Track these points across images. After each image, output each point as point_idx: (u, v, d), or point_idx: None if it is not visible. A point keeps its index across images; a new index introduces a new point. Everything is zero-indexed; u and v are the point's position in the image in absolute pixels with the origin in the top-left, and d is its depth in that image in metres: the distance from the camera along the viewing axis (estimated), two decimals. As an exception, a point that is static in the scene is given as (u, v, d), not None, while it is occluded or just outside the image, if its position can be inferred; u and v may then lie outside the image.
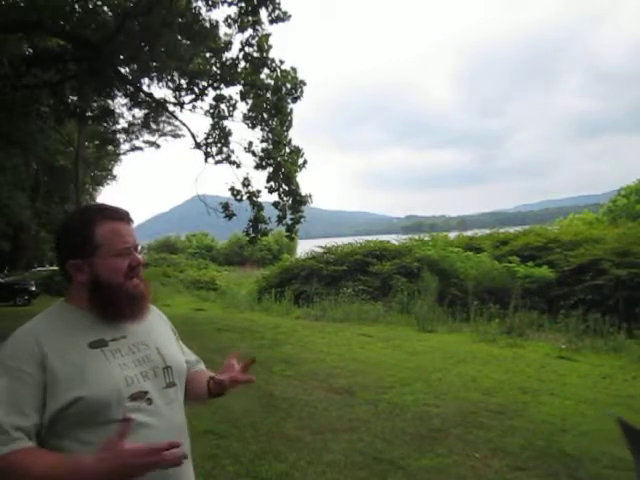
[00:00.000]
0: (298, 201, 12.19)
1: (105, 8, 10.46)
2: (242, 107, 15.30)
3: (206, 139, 12.57)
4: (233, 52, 11.59)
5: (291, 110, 11.93)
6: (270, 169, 12.16)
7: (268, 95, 11.70)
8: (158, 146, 28.61)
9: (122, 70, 11.90)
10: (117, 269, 1.15)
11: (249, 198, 12.45)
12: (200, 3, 10.55)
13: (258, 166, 12.23)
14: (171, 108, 13.33)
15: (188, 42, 10.99)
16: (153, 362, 1.18)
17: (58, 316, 1.15)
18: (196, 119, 62.05)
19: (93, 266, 1.15)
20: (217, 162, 12.57)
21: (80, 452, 1.03)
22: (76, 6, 9.85)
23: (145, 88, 12.81)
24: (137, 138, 27.94)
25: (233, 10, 10.77)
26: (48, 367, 1.04)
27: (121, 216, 1.20)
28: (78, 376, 1.05)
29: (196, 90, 12.14)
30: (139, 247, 1.23)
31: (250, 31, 11.01)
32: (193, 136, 12.76)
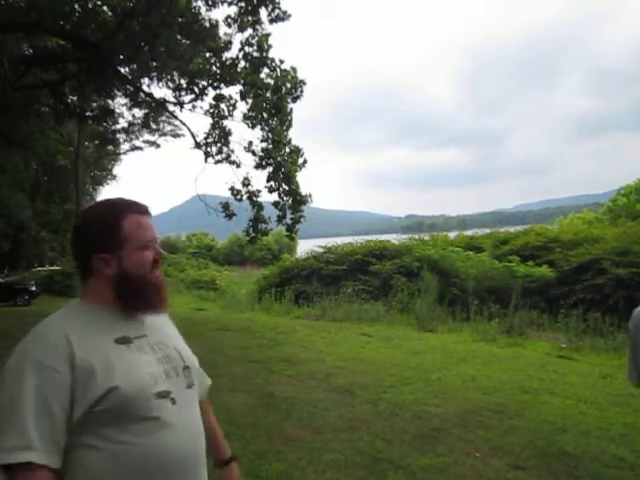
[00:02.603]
0: (298, 201, 12.19)
1: (105, 8, 10.46)
2: (242, 107, 15.31)
3: (206, 139, 12.57)
4: (233, 52, 11.60)
5: (291, 110, 11.93)
6: (270, 169, 12.16)
7: (268, 95, 11.70)
8: (158, 146, 28.67)
9: (122, 70, 11.89)
10: (143, 262, 1.16)
11: (249, 198, 12.45)
12: (200, 3, 10.56)
13: (258, 166, 12.23)
14: (171, 108, 13.34)
15: (188, 42, 10.99)
16: (174, 362, 1.18)
17: (79, 314, 1.13)
18: (196, 119, 62.09)
19: (120, 259, 1.14)
20: (217, 162, 12.57)
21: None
22: (76, 6, 9.86)
23: (145, 88, 12.82)
24: (137, 138, 28.01)
25: (233, 10, 10.78)
26: (78, 363, 1.02)
27: (144, 209, 1.21)
28: (110, 369, 1.04)
29: (196, 90, 12.14)
30: (158, 240, 1.23)
31: (250, 31, 11.02)
32: (193, 136, 12.76)
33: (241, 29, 11.01)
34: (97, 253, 1.13)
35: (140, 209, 1.19)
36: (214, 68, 11.78)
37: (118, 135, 26.67)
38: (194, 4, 10.55)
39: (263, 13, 10.65)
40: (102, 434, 1.02)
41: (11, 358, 1.03)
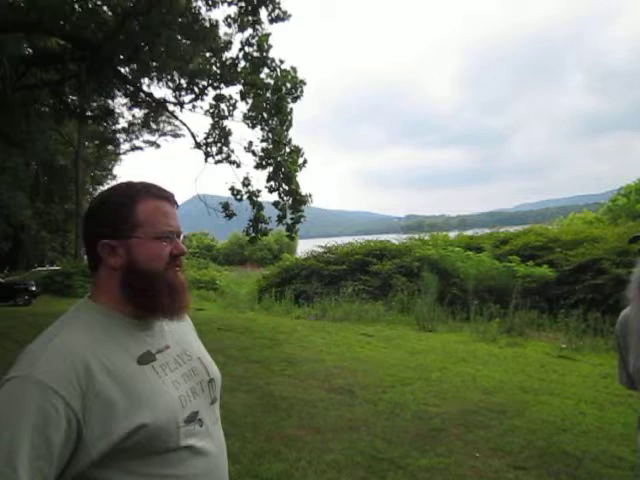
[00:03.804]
0: (298, 201, 12.20)
1: (105, 8, 10.48)
2: (242, 107, 15.34)
3: (206, 139, 12.59)
4: (233, 52, 11.65)
5: (291, 110, 11.95)
6: (270, 169, 12.19)
7: (268, 95, 11.72)
8: (158, 146, 28.69)
9: (122, 70, 11.91)
10: (157, 255, 0.98)
11: (249, 198, 12.47)
12: (200, 3, 10.59)
13: (258, 166, 12.25)
14: (171, 108, 13.38)
15: (188, 42, 11.01)
16: (199, 375, 1.06)
17: (92, 321, 0.96)
18: (196, 119, 62.15)
19: (129, 248, 0.97)
20: (217, 162, 12.59)
21: None
22: (76, 6, 9.87)
23: (145, 88, 12.85)
24: (137, 138, 28.03)
25: (233, 10, 10.81)
26: (97, 393, 0.86)
27: (167, 195, 1.03)
28: (135, 401, 0.89)
29: (196, 90, 12.16)
30: (182, 235, 1.06)
31: (250, 31, 11.04)
32: (193, 136, 12.78)
33: (241, 29, 11.03)
34: (102, 239, 0.97)
35: (162, 194, 1.02)
36: (214, 68, 11.80)
37: (118, 135, 26.72)
38: (194, 4, 10.58)
39: (263, 13, 10.69)
40: (128, 468, 0.90)
41: (10, 378, 0.85)
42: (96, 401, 0.86)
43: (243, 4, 10.54)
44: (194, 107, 12.33)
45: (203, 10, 10.78)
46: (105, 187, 34.55)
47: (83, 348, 0.89)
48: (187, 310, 1.06)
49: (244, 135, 24.18)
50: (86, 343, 0.91)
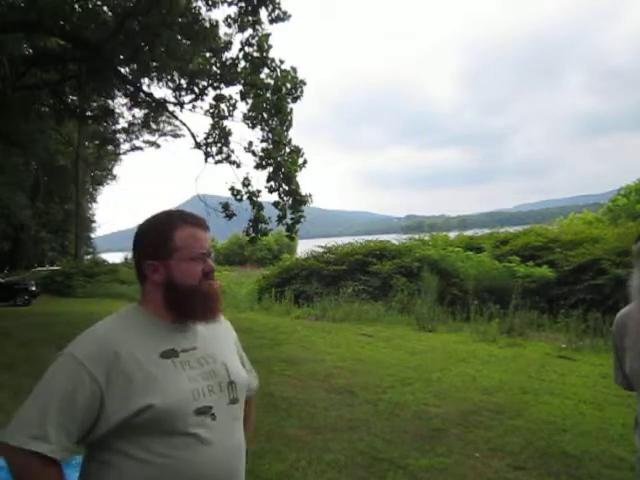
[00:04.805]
0: (298, 201, 12.20)
1: (105, 8, 10.48)
2: (242, 107, 15.38)
3: (206, 139, 12.59)
4: (233, 52, 11.65)
5: (291, 110, 11.95)
6: (270, 169, 12.18)
7: (268, 95, 11.72)
8: (158, 146, 28.73)
9: (122, 70, 11.91)
10: (192, 274, 1.17)
11: (249, 198, 12.47)
12: (200, 3, 10.60)
13: (258, 166, 12.25)
14: (171, 108, 13.39)
15: (188, 42, 11.01)
16: (219, 376, 1.19)
17: (134, 320, 1.17)
18: (196, 119, 62.10)
19: (169, 268, 1.17)
20: (217, 162, 12.59)
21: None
22: (76, 6, 9.87)
23: (145, 88, 12.85)
24: (137, 138, 28.05)
25: (233, 10, 10.82)
26: (120, 373, 1.06)
27: (199, 222, 1.23)
28: (150, 385, 1.07)
29: (196, 90, 12.17)
30: (212, 254, 1.25)
31: (250, 31, 11.05)
32: (193, 136, 12.78)
33: (241, 29, 11.04)
34: (147, 260, 1.18)
35: (195, 221, 1.22)
36: (214, 68, 11.80)
37: (118, 135, 26.74)
38: (194, 4, 10.58)
39: (263, 13, 10.69)
40: (139, 443, 1.06)
41: (61, 354, 1.09)
42: (119, 377, 1.06)
43: (243, 4, 10.54)
44: (194, 107, 12.35)
45: (203, 10, 10.80)
46: (105, 187, 34.27)
47: (117, 338, 1.11)
48: (217, 316, 1.24)
49: (244, 135, 24.15)
50: (121, 335, 1.12)
